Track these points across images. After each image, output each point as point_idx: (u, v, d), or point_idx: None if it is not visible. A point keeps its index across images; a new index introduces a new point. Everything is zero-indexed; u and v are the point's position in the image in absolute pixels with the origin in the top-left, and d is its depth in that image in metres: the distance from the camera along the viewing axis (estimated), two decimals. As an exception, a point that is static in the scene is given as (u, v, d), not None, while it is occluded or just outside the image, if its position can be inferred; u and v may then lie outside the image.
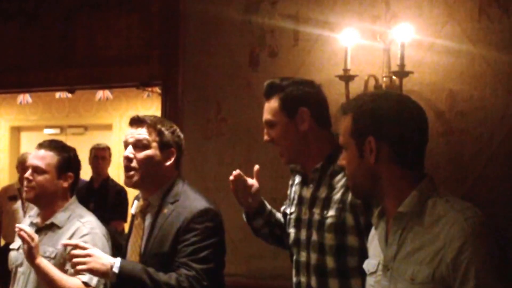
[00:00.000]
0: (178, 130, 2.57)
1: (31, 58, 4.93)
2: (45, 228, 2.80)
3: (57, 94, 7.81)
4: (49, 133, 8.45)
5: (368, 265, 1.88)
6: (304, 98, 2.32)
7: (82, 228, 2.75)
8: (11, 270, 2.91)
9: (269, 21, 4.04)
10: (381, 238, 1.80)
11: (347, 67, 3.65)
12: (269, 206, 2.56)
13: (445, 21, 3.60)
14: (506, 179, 3.45)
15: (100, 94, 7.72)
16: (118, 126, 8.13)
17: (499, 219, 3.28)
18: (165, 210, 2.45)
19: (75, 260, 2.29)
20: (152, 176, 2.48)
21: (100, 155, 5.89)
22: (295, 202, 2.42)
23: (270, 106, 2.35)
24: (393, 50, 3.61)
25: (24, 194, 2.86)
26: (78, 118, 8.45)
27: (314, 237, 2.27)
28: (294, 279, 2.38)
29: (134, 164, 2.46)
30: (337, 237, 2.22)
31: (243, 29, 4.12)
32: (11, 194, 6.12)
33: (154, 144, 2.48)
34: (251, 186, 2.46)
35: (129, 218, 2.80)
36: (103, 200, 5.63)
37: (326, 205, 2.26)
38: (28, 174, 2.80)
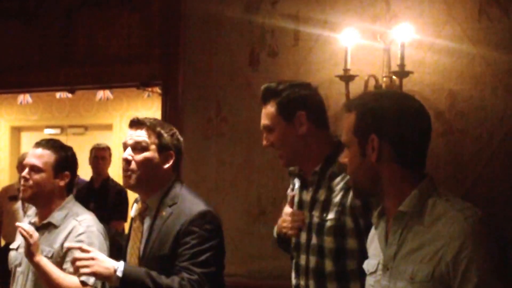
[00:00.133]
0: (177, 133, 2.57)
1: (31, 58, 4.93)
2: (42, 227, 2.79)
3: (58, 94, 7.80)
4: (49, 133, 8.43)
5: (368, 265, 1.87)
6: (301, 101, 2.30)
7: (78, 226, 2.74)
8: (10, 270, 2.91)
9: (269, 21, 4.04)
10: (381, 238, 1.80)
11: (347, 67, 3.66)
12: None
13: (445, 21, 3.61)
14: (506, 179, 3.45)
15: (101, 94, 7.72)
16: (119, 126, 8.12)
17: (499, 219, 3.29)
18: (163, 213, 2.44)
19: (78, 263, 2.28)
20: (150, 178, 2.47)
21: (100, 155, 5.89)
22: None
23: (267, 111, 2.33)
24: (393, 50, 3.61)
25: (20, 193, 2.85)
26: (78, 118, 8.44)
27: (314, 240, 2.27)
28: (294, 282, 2.38)
29: (132, 166, 2.46)
30: (337, 240, 2.21)
31: (243, 29, 4.13)
32: (11, 194, 6.10)
33: (153, 147, 2.47)
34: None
35: (129, 219, 2.80)
36: (104, 200, 5.63)
37: (326, 208, 2.25)
38: (25, 173, 2.79)
